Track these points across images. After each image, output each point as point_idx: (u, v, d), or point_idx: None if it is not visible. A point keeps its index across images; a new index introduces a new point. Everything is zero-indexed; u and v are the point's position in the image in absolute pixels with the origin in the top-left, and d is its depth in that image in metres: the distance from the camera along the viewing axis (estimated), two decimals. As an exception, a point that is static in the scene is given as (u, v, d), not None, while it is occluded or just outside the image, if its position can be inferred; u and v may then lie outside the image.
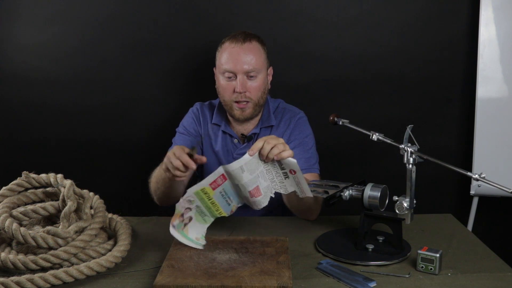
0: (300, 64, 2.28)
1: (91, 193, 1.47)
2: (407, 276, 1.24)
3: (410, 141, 1.34)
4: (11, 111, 2.30)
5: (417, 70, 2.29)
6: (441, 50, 2.28)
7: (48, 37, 2.23)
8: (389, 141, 1.41)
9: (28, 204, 1.43)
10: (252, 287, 1.13)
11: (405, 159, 1.32)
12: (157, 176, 1.66)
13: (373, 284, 1.19)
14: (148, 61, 2.26)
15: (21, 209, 1.38)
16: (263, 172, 1.36)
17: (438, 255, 1.24)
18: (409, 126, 1.35)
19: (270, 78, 1.82)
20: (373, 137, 1.44)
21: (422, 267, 1.26)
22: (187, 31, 2.24)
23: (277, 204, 1.77)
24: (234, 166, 1.30)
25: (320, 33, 2.26)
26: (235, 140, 1.81)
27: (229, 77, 1.71)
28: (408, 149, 1.31)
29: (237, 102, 1.72)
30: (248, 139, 1.80)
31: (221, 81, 1.73)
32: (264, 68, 1.75)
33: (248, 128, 1.81)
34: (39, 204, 1.41)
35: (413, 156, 1.31)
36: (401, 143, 1.33)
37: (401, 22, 2.26)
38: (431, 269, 1.25)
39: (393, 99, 2.32)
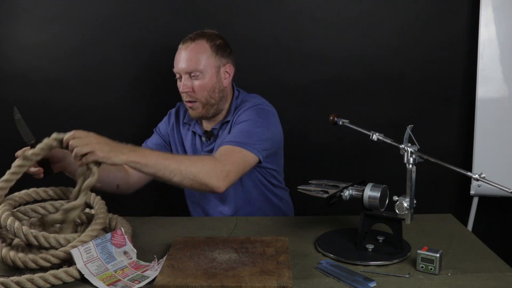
0: (300, 64, 2.28)
1: (93, 194, 1.48)
2: (407, 276, 1.24)
3: (410, 141, 1.34)
4: (11, 111, 2.29)
5: (417, 70, 2.29)
6: (441, 50, 2.27)
7: (48, 37, 2.23)
8: (389, 141, 1.41)
9: (29, 203, 1.43)
10: (252, 287, 1.13)
11: (405, 159, 1.32)
12: None
13: (373, 284, 1.19)
14: (149, 62, 2.26)
15: (21, 208, 1.39)
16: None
17: (438, 255, 1.24)
18: (409, 126, 1.35)
19: (227, 76, 1.79)
20: (373, 137, 1.44)
21: (422, 267, 1.26)
22: (187, 31, 2.22)
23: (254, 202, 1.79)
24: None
25: (320, 33, 2.26)
26: (203, 139, 1.83)
27: (179, 79, 1.76)
28: (408, 149, 1.31)
29: (187, 101, 1.76)
30: (210, 135, 1.82)
31: (177, 83, 1.79)
32: (209, 66, 1.73)
33: (212, 125, 1.84)
34: (39, 204, 1.41)
35: (413, 156, 1.31)
36: (401, 143, 1.33)
37: (401, 22, 2.26)
38: (431, 269, 1.25)
39: (393, 99, 2.32)
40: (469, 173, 1.23)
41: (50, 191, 1.46)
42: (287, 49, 2.26)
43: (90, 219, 1.47)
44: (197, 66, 1.71)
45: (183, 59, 1.73)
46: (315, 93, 2.29)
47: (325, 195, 1.39)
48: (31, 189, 1.43)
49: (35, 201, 1.44)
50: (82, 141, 1.36)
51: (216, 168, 1.49)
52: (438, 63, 2.29)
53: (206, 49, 1.74)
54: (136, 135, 2.33)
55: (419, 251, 1.26)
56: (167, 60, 2.26)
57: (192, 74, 1.72)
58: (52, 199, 1.46)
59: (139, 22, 2.23)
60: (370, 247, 1.37)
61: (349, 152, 2.34)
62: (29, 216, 1.39)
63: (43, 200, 1.45)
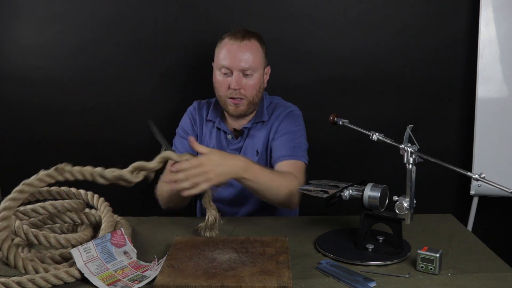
0: (300, 64, 2.28)
1: (96, 195, 1.48)
2: (407, 276, 1.24)
3: (410, 141, 1.34)
4: (11, 111, 2.30)
5: (417, 70, 2.29)
6: (441, 50, 2.28)
7: (48, 37, 2.23)
8: (389, 141, 1.41)
9: (32, 202, 1.43)
10: (252, 287, 1.14)
11: (405, 159, 1.32)
12: (168, 194, 1.67)
13: (373, 284, 1.19)
14: (148, 61, 2.26)
15: (21, 208, 1.39)
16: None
17: (438, 255, 1.24)
18: (409, 126, 1.35)
19: (266, 77, 1.83)
20: (373, 137, 1.44)
21: (422, 267, 1.26)
22: (188, 31, 2.24)
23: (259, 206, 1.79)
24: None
25: (320, 33, 2.26)
26: (229, 136, 1.83)
27: (225, 73, 1.74)
28: (408, 149, 1.31)
29: (231, 98, 1.74)
30: (240, 133, 1.83)
31: (218, 77, 1.76)
32: (261, 67, 1.77)
33: (242, 123, 1.84)
34: (39, 204, 1.41)
35: (413, 156, 1.31)
36: (401, 143, 1.33)
37: (401, 22, 2.26)
38: (431, 269, 1.25)
39: (393, 99, 2.32)
40: (469, 173, 1.23)
41: (53, 191, 1.46)
42: (287, 49, 2.26)
43: (90, 219, 1.47)
44: (252, 65, 1.72)
45: (239, 56, 1.71)
46: (315, 93, 2.29)
47: (325, 195, 1.39)
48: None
49: (37, 201, 1.44)
50: (198, 179, 1.38)
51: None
52: (438, 63, 2.29)
53: (259, 48, 1.76)
54: (136, 135, 2.34)
55: (419, 251, 1.26)
56: (167, 60, 2.27)
57: (246, 72, 1.72)
58: (54, 199, 1.46)
59: (139, 22, 2.23)
60: (370, 247, 1.37)
61: (349, 152, 2.34)
62: (29, 216, 1.39)
63: (45, 200, 1.45)
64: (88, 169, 1.33)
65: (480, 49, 2.17)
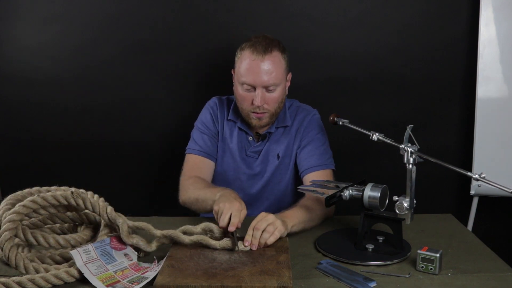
0: (300, 64, 2.27)
1: (96, 195, 1.48)
2: (407, 276, 1.24)
3: (410, 141, 1.34)
4: (11, 111, 2.30)
5: (417, 70, 2.29)
6: (441, 50, 2.27)
7: (48, 37, 2.23)
8: (389, 141, 1.41)
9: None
10: (252, 287, 1.14)
11: (405, 159, 1.32)
12: (202, 198, 1.64)
13: (373, 284, 1.19)
14: (148, 61, 2.26)
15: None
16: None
17: (438, 255, 1.24)
18: (409, 126, 1.35)
19: (288, 83, 1.80)
20: (373, 137, 1.45)
21: (422, 267, 1.26)
22: (188, 31, 2.24)
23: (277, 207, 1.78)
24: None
25: (320, 33, 2.26)
26: (250, 138, 1.82)
27: (248, 89, 1.70)
28: (408, 149, 1.31)
29: (254, 112, 1.72)
30: (263, 138, 1.81)
31: (240, 91, 1.72)
32: (284, 79, 1.73)
33: (264, 128, 1.82)
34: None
35: (413, 156, 1.31)
36: (401, 143, 1.34)
37: (401, 22, 2.26)
38: (431, 269, 1.25)
39: (393, 99, 2.32)
40: (469, 173, 1.23)
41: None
42: (287, 49, 2.25)
43: (90, 219, 1.47)
44: (276, 81, 1.68)
45: (262, 73, 1.66)
46: (315, 93, 2.29)
47: (325, 195, 1.39)
48: (34, 188, 1.43)
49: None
50: (270, 228, 1.38)
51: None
52: (438, 63, 2.29)
53: (281, 61, 1.71)
54: (135, 135, 2.34)
55: (419, 251, 1.27)
56: (167, 60, 2.27)
57: (269, 88, 1.69)
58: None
59: (139, 22, 2.23)
60: (370, 247, 1.37)
61: (349, 152, 2.34)
62: (30, 216, 1.39)
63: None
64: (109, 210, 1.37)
65: (480, 49, 2.17)
